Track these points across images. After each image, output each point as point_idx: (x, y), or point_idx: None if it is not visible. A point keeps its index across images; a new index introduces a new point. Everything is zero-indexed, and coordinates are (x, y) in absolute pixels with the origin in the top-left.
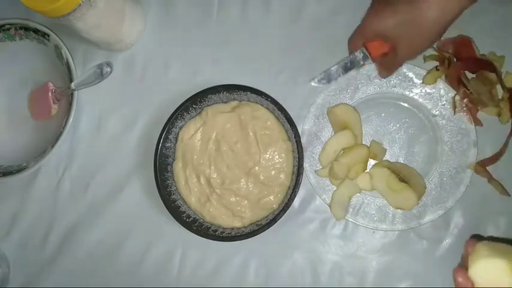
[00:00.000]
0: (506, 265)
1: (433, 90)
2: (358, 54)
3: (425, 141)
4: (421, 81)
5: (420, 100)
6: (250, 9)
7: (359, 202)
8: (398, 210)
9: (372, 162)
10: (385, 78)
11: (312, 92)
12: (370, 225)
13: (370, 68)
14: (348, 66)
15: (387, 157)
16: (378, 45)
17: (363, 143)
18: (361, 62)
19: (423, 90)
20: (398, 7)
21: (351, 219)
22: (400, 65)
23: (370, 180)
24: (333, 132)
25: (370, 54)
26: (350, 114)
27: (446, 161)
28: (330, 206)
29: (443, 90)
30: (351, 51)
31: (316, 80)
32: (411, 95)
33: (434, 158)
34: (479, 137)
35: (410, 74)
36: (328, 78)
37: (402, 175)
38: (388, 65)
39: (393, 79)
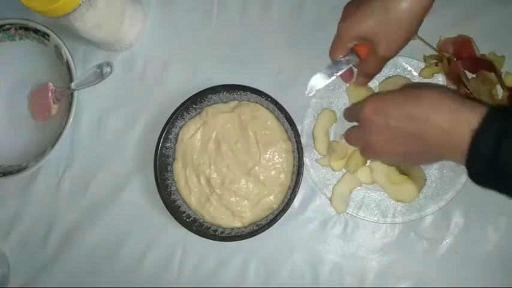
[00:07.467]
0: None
1: (432, 82)
2: (346, 58)
3: None
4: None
5: None
6: (250, 9)
7: (360, 196)
8: (399, 203)
9: None
10: (363, 85)
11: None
12: (371, 218)
13: None
14: (336, 69)
15: None
16: (365, 48)
17: None
18: (351, 64)
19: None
20: (373, 5)
21: (351, 213)
22: (380, 67)
23: (370, 174)
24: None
25: (359, 57)
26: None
27: None
28: (330, 200)
29: (442, 83)
30: (334, 57)
31: (308, 90)
32: None
33: None
34: None
35: (409, 67)
36: (320, 81)
37: (402, 168)
38: (368, 69)
39: (392, 72)
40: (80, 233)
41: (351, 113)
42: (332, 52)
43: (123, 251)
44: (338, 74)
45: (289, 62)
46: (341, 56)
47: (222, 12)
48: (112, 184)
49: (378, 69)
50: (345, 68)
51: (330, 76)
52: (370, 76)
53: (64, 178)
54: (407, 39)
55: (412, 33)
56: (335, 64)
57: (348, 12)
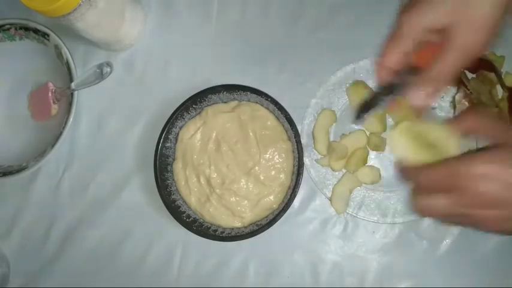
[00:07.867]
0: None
1: None
2: (401, 77)
3: None
4: None
5: None
6: (250, 9)
7: (360, 196)
8: (399, 204)
9: (372, 155)
10: (430, 102)
11: (312, 91)
12: (371, 218)
13: (367, 62)
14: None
15: (387, 151)
16: (429, 51)
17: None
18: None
19: None
20: None
21: (351, 213)
22: (461, 62)
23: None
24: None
25: (420, 67)
26: None
27: None
28: (330, 200)
29: None
30: (384, 74)
31: (356, 119)
32: None
33: None
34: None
35: None
36: (367, 109)
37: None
38: (445, 68)
39: None
40: (79, 233)
41: (435, 176)
42: (387, 52)
43: (123, 251)
44: (390, 99)
45: (289, 62)
46: (390, 78)
47: (222, 12)
48: (112, 184)
49: (457, 67)
50: (401, 91)
51: (379, 102)
52: (443, 81)
53: (64, 178)
54: (497, 30)
55: (500, 20)
56: (386, 87)
57: (410, 3)
